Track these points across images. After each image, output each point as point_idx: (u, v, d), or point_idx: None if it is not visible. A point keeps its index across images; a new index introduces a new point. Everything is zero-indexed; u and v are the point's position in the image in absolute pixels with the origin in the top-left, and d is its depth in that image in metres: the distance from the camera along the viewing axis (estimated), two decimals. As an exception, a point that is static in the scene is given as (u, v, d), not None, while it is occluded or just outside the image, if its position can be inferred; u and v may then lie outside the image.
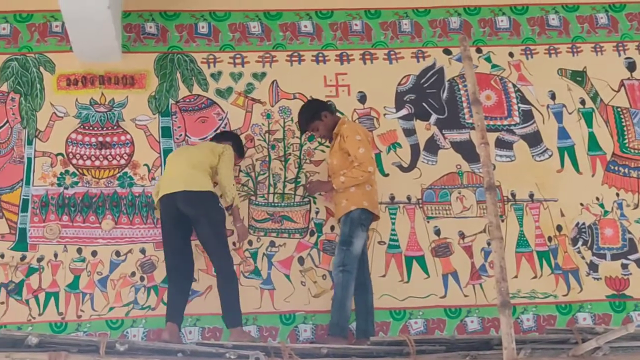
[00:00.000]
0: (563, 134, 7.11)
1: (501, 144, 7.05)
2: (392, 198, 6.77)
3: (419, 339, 5.51)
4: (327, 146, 6.71)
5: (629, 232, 6.81)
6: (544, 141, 7.07)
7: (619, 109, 7.23)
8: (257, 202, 6.70)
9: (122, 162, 6.74)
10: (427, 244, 6.65)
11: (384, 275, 6.50)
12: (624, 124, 7.18)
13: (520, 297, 6.49)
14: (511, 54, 7.39)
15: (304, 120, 6.54)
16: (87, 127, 6.83)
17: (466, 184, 6.88)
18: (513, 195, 6.85)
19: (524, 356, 5.38)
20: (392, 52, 7.31)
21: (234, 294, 5.90)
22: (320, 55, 7.25)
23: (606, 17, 7.57)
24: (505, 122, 7.14)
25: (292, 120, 6.89)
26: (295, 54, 7.24)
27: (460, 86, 7.23)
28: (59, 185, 6.62)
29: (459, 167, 6.93)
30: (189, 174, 6.07)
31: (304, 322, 6.31)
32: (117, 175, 6.70)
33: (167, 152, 6.68)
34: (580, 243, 6.74)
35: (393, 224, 6.69)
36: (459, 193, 6.85)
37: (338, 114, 6.91)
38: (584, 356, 5.33)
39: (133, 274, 6.39)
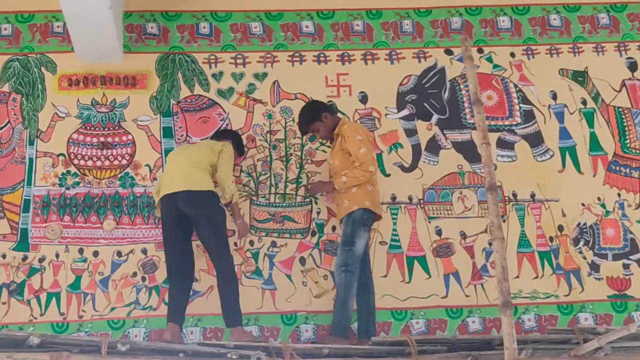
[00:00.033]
0: (564, 134, 7.11)
1: (502, 144, 7.05)
2: (394, 198, 6.77)
3: (421, 339, 5.51)
4: (329, 146, 6.71)
5: (631, 233, 6.81)
6: (546, 141, 7.07)
7: (620, 109, 7.23)
8: (258, 203, 6.70)
9: (124, 162, 6.74)
10: (429, 244, 6.65)
11: (385, 276, 6.50)
12: (625, 124, 7.18)
13: (522, 297, 6.49)
14: (512, 54, 7.39)
15: (304, 121, 6.53)
16: (88, 128, 6.83)
17: (467, 184, 6.88)
18: (514, 195, 6.85)
19: (526, 356, 5.38)
20: (393, 53, 7.31)
21: (234, 293, 5.89)
22: (322, 55, 7.26)
23: (607, 17, 7.57)
24: (507, 122, 7.14)
25: (293, 120, 6.88)
26: (297, 54, 7.24)
27: (461, 86, 7.23)
28: (61, 185, 6.62)
29: (460, 167, 6.93)
30: (190, 173, 6.07)
31: (306, 323, 6.31)
32: (119, 175, 6.70)
33: (168, 152, 6.68)
34: (581, 243, 6.74)
35: (394, 224, 6.69)
36: (461, 193, 6.85)
37: (339, 115, 6.92)
38: (586, 356, 5.32)
39: (134, 274, 6.39)
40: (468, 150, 6.98)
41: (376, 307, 6.16)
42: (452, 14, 7.50)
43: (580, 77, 7.32)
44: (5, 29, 7.12)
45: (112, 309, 6.28)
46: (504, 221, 6.63)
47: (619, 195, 6.93)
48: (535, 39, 7.45)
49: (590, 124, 7.16)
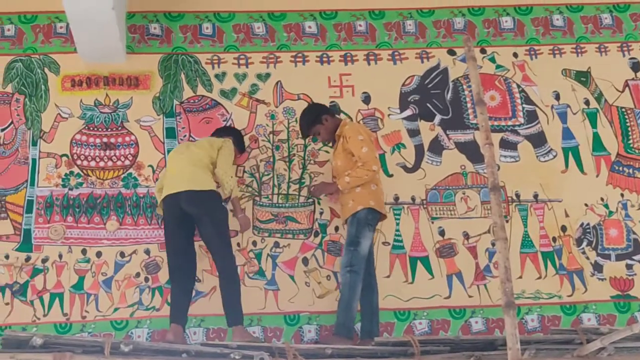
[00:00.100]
0: (567, 134, 7.10)
1: (505, 145, 7.05)
2: (397, 199, 6.77)
3: (424, 339, 5.51)
4: (332, 147, 6.70)
5: (634, 233, 6.80)
6: (549, 141, 7.07)
7: (623, 110, 7.23)
8: (261, 203, 6.70)
9: (127, 163, 6.75)
10: (432, 244, 6.65)
11: (388, 276, 6.49)
12: (628, 124, 7.17)
13: (525, 297, 6.48)
14: (515, 55, 7.38)
15: (305, 125, 6.54)
16: (91, 128, 6.84)
17: (470, 184, 6.88)
18: (517, 195, 6.85)
19: (529, 357, 5.38)
20: (396, 53, 7.31)
21: (235, 293, 5.90)
22: (325, 55, 7.26)
23: (610, 18, 7.56)
24: (510, 123, 7.14)
25: (296, 121, 6.87)
26: (300, 54, 7.25)
27: (464, 87, 7.22)
28: (64, 186, 6.63)
29: (463, 167, 6.93)
30: (191, 172, 6.08)
31: (309, 323, 6.31)
32: (122, 176, 6.70)
33: (171, 153, 6.69)
34: (584, 243, 6.74)
35: (397, 224, 6.69)
36: (464, 193, 6.85)
37: (342, 115, 6.93)
38: (589, 356, 5.32)
39: (137, 274, 6.39)
40: (471, 151, 6.97)
41: (379, 308, 6.16)
42: (454, 15, 7.50)
43: (583, 77, 7.32)
44: (9, 30, 7.13)
45: (115, 309, 6.28)
46: (507, 221, 6.63)
47: (622, 195, 6.93)
48: (538, 39, 7.45)
49: (593, 124, 7.15)
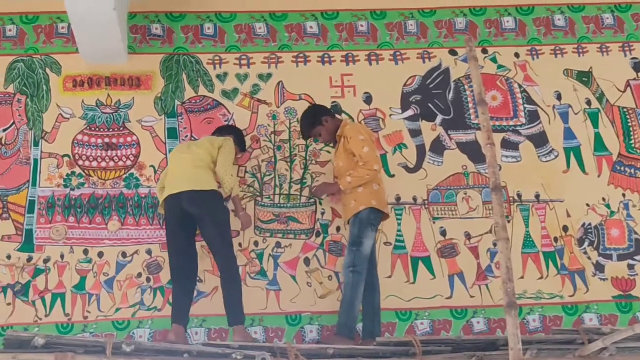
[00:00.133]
0: (569, 134, 7.10)
1: (507, 145, 7.05)
2: (398, 199, 6.77)
3: (425, 339, 5.51)
4: (333, 147, 6.70)
5: (635, 233, 6.80)
6: (550, 142, 7.06)
7: (625, 110, 7.22)
8: (263, 203, 6.70)
9: (129, 163, 6.75)
10: (433, 244, 6.65)
11: (390, 276, 6.49)
12: (630, 124, 7.17)
13: (527, 297, 6.48)
14: (517, 55, 7.38)
15: (306, 127, 6.54)
16: (93, 129, 6.84)
17: (472, 184, 6.88)
18: (519, 196, 6.85)
19: (531, 357, 5.38)
20: (397, 53, 7.31)
21: (237, 293, 5.91)
22: (326, 56, 7.26)
23: (612, 18, 7.56)
24: (511, 123, 7.14)
25: (297, 121, 6.87)
26: (301, 55, 7.25)
27: (466, 87, 7.22)
28: (66, 186, 6.63)
29: (465, 167, 6.93)
30: (193, 173, 6.08)
31: (310, 323, 6.31)
32: (124, 176, 6.71)
33: (173, 153, 6.69)
34: (586, 244, 6.74)
35: (399, 224, 6.69)
36: (465, 194, 6.85)
37: (344, 115, 6.93)
38: (591, 357, 5.32)
39: (139, 275, 6.40)
40: (473, 151, 6.97)
41: (381, 308, 6.16)
42: (456, 15, 7.50)
43: (584, 77, 7.32)
44: (10, 30, 7.14)
45: (117, 309, 6.28)
46: (509, 222, 6.62)
47: (623, 195, 6.92)
48: (539, 39, 7.45)
49: (595, 125, 7.15)
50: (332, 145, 6.72)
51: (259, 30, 7.31)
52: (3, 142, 6.75)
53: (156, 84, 7.03)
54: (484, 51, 7.35)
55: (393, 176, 6.85)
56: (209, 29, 7.28)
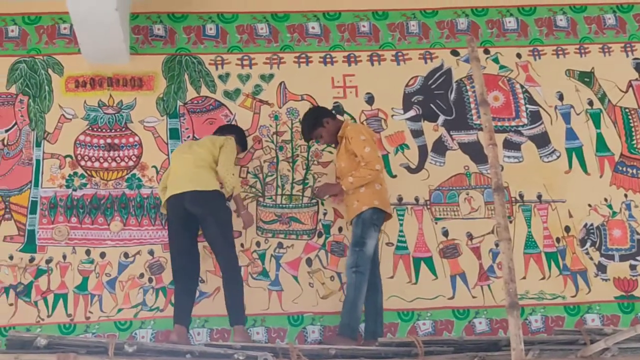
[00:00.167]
0: (571, 134, 7.10)
1: (509, 145, 7.05)
2: (400, 199, 6.76)
3: (427, 340, 5.52)
4: (335, 148, 6.69)
5: (637, 233, 6.80)
6: (552, 142, 7.06)
7: (627, 110, 7.22)
8: (265, 204, 6.70)
9: (131, 163, 6.75)
10: (435, 245, 6.65)
11: (392, 277, 6.49)
12: (632, 124, 7.17)
13: (529, 298, 6.48)
14: (519, 55, 7.38)
15: (307, 129, 6.55)
16: (95, 129, 6.85)
17: (474, 185, 6.88)
18: (521, 196, 6.85)
19: (532, 357, 5.38)
20: (399, 54, 7.31)
21: (238, 293, 5.91)
22: (328, 56, 7.26)
23: (614, 18, 7.56)
24: (513, 123, 7.14)
25: (299, 121, 6.87)
26: (303, 55, 7.25)
27: (467, 87, 7.22)
28: (68, 187, 6.64)
29: (466, 168, 6.93)
30: (195, 173, 6.08)
31: (312, 324, 6.31)
32: (126, 176, 6.71)
33: (175, 154, 6.69)
34: (588, 244, 6.73)
35: (401, 225, 6.69)
36: (467, 194, 6.85)
37: (346, 116, 6.94)
38: (593, 357, 5.32)
39: (141, 275, 6.40)
40: (474, 151, 6.97)
41: (383, 308, 6.16)
42: (458, 15, 7.50)
43: (586, 77, 7.32)
44: (12, 31, 7.14)
45: (119, 310, 6.28)
46: (511, 222, 6.62)
47: (625, 196, 6.92)
48: (541, 39, 7.45)
49: (597, 125, 7.15)
50: (333, 146, 6.71)
51: (261, 30, 7.31)
52: (5, 142, 6.75)
53: (158, 85, 7.03)
54: (486, 51, 7.35)
55: (395, 176, 6.85)
56: (210, 29, 7.28)
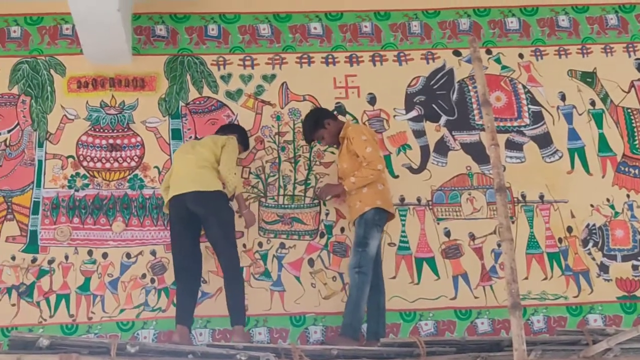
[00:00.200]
0: (573, 135, 7.09)
1: (511, 145, 7.04)
2: (402, 200, 6.76)
3: (429, 340, 5.53)
4: (337, 149, 6.69)
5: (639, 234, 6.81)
6: (554, 142, 7.06)
7: (629, 110, 7.22)
8: (267, 204, 6.70)
9: (133, 164, 6.75)
10: (437, 245, 6.65)
11: (394, 277, 6.49)
12: (634, 125, 7.16)
13: (531, 298, 6.48)
14: (521, 55, 7.38)
15: (308, 131, 6.56)
16: (97, 130, 6.85)
17: (476, 185, 6.87)
18: (523, 196, 6.85)
19: (535, 357, 5.38)
20: (401, 54, 7.31)
21: (239, 293, 5.92)
22: (330, 57, 7.26)
23: (616, 18, 7.55)
24: (515, 124, 7.13)
25: (301, 122, 6.87)
26: (305, 55, 7.25)
27: (470, 87, 7.22)
28: (70, 187, 6.64)
29: (469, 168, 6.92)
30: (197, 173, 6.08)
31: (314, 324, 6.31)
32: (128, 177, 6.71)
33: (177, 154, 6.69)
34: (590, 244, 6.73)
35: (403, 225, 6.69)
36: (469, 194, 6.84)
37: (348, 116, 6.94)
38: (595, 358, 5.33)
39: (144, 275, 6.40)
40: (477, 152, 6.97)
41: (386, 309, 6.16)
42: (460, 15, 7.49)
43: (589, 78, 7.31)
44: (15, 32, 7.14)
45: (122, 310, 6.29)
46: (513, 222, 6.63)
47: (628, 196, 6.92)
48: (543, 40, 7.44)
49: (599, 125, 7.14)
50: (335, 147, 6.71)
51: (263, 31, 7.31)
52: (7, 143, 6.75)
53: (160, 85, 7.03)
54: (488, 52, 7.35)
55: (397, 177, 6.85)
56: (212, 30, 7.28)
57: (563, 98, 7.21)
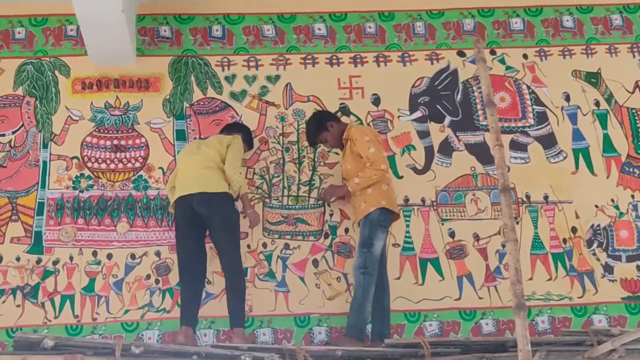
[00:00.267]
0: (577, 135, 7.09)
1: (515, 146, 7.04)
2: (407, 200, 6.76)
3: (434, 341, 5.52)
4: (341, 150, 6.69)
5: (644, 234, 6.80)
6: (559, 143, 7.05)
7: (633, 111, 7.21)
8: (271, 205, 6.70)
9: (137, 165, 6.76)
10: (442, 246, 6.65)
11: (398, 278, 6.49)
12: (638, 125, 7.15)
13: (536, 299, 6.47)
14: (525, 56, 7.37)
15: (311, 134, 6.56)
16: (102, 131, 6.85)
17: (480, 186, 6.87)
18: (528, 197, 6.84)
19: (539, 358, 5.36)
20: (405, 54, 7.31)
21: (240, 295, 5.92)
22: (334, 57, 7.26)
23: (620, 19, 7.54)
24: (520, 124, 7.13)
25: (306, 122, 6.87)
26: (309, 56, 7.25)
27: (474, 88, 7.22)
28: (74, 188, 6.65)
29: (473, 169, 6.92)
30: (203, 174, 6.08)
31: (319, 325, 6.31)
32: (132, 178, 6.72)
33: (181, 155, 6.69)
34: (595, 245, 6.72)
35: (407, 226, 6.69)
36: (474, 195, 6.84)
37: (352, 117, 6.94)
38: (600, 358, 5.31)
39: (148, 276, 6.41)
40: (481, 152, 6.97)
41: (390, 309, 6.16)
42: (464, 16, 7.49)
43: (593, 78, 7.30)
44: (19, 33, 7.15)
45: (126, 311, 6.29)
46: (517, 223, 6.61)
47: (632, 196, 6.91)
48: (548, 40, 7.44)
49: (604, 126, 7.14)
50: (339, 149, 6.71)
51: (267, 32, 7.31)
52: (12, 144, 6.76)
53: (164, 86, 7.04)
54: (492, 52, 7.34)
55: (401, 177, 6.85)
56: (217, 30, 7.28)
57: (567, 98, 7.21)
